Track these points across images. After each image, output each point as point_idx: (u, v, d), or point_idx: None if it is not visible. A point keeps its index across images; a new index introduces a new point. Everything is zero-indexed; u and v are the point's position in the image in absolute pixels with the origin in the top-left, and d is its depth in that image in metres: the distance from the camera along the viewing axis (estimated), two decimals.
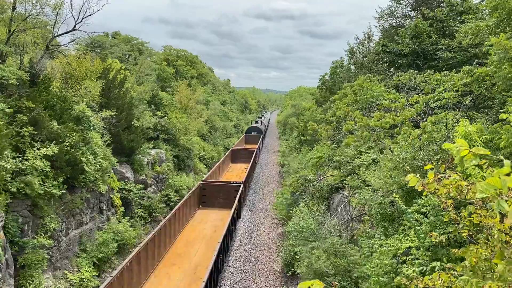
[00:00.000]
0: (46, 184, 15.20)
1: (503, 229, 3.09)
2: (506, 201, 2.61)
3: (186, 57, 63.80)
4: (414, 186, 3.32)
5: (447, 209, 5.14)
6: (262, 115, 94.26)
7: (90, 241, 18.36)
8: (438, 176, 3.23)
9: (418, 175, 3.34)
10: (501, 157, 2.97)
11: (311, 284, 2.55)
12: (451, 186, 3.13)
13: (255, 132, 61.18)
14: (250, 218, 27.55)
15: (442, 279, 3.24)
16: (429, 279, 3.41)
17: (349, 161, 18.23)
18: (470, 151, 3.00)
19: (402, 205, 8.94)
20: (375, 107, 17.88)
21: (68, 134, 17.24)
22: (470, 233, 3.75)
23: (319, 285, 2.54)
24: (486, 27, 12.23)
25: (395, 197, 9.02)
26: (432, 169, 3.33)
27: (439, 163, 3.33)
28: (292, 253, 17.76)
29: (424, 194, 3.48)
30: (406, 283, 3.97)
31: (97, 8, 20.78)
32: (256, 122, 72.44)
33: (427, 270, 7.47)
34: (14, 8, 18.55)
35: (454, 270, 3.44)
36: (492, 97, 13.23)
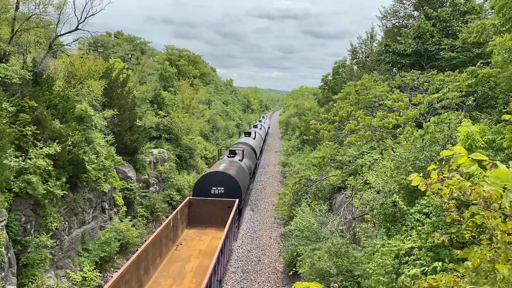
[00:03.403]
0: (49, 183, 15.24)
1: (506, 230, 3.07)
2: None
3: (189, 57, 63.84)
4: (417, 186, 3.30)
5: (449, 210, 5.11)
6: (256, 125, 58.16)
7: (93, 240, 18.40)
8: (442, 177, 3.21)
9: (421, 175, 3.32)
10: (497, 162, 2.93)
11: (308, 286, 2.53)
12: (455, 186, 3.10)
13: (221, 189, 23.44)
14: (252, 218, 27.54)
15: (445, 280, 3.22)
16: (433, 279, 3.39)
17: (351, 161, 18.19)
18: (468, 157, 2.95)
19: (403, 206, 8.90)
20: (378, 107, 17.83)
21: (70, 133, 17.28)
22: (473, 233, 3.73)
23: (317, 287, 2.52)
24: (492, 25, 12.15)
25: (396, 198, 8.98)
26: (435, 169, 3.30)
27: (442, 163, 3.29)
28: (294, 253, 17.74)
29: (427, 194, 3.46)
30: (409, 283, 3.96)
31: (100, 8, 20.73)
32: (232, 154, 29.57)
33: (429, 270, 7.43)
34: (17, 8, 18.58)
35: (456, 271, 3.41)
36: (495, 97, 13.15)
